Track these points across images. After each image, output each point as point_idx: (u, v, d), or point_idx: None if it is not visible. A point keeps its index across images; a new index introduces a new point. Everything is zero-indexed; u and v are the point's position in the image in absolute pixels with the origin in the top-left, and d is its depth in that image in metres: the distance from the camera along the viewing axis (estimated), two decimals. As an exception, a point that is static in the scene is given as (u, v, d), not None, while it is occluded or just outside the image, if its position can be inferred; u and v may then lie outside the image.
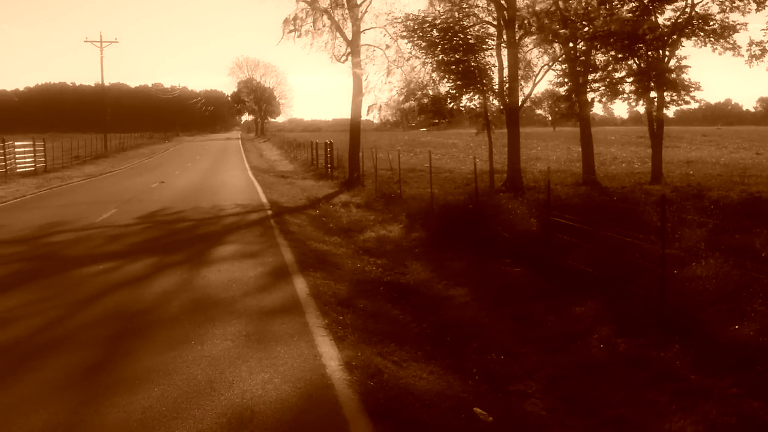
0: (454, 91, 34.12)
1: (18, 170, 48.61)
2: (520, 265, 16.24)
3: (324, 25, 40.01)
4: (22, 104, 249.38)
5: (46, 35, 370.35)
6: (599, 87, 35.44)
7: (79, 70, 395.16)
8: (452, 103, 34.60)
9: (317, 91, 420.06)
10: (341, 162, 44.08)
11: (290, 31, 40.59)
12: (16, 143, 51.47)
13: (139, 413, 7.83)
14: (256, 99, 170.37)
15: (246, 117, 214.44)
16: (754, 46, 34.94)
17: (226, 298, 13.28)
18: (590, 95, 35.83)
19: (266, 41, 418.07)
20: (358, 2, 38.37)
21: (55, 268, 16.56)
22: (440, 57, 33.55)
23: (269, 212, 26.65)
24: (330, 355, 9.70)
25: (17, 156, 50.07)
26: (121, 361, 9.61)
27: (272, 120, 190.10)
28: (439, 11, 35.16)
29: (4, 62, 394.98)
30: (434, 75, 34.98)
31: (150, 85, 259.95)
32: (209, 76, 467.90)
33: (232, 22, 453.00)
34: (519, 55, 33.86)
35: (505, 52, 33.18)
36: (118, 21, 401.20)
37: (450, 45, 32.88)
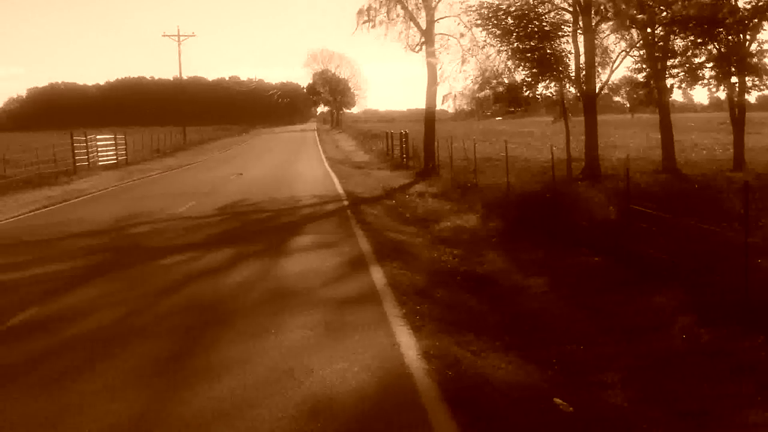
0: (529, 79, 33.78)
1: (100, 163, 49.72)
2: (599, 255, 16.03)
3: (398, 15, 40.03)
4: (102, 98, 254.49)
5: (125, 30, 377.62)
6: (678, 73, 34.62)
7: (158, 64, 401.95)
8: (528, 91, 34.27)
9: (391, 81, 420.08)
10: (416, 152, 44.03)
11: (364, 22, 40.73)
12: (98, 137, 52.60)
13: (220, 401, 7.95)
14: (331, 90, 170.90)
15: (321, 108, 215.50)
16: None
17: (304, 287, 13.40)
18: (669, 81, 35.04)
19: (341, 32, 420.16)
20: (432, -9, 38.26)
21: (136, 258, 16.93)
22: (515, 45, 33.23)
23: (345, 203, 26.80)
24: (408, 345, 9.72)
25: (99, 149, 51.17)
26: (202, 350, 9.78)
27: (347, 111, 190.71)
28: (513, -2, 34.84)
29: (85, 57, 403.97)
30: (509, 63, 34.68)
31: (227, 78, 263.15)
32: (285, 68, 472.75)
33: (307, 14, 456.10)
34: (595, 42, 33.32)
35: (581, 38, 32.66)
36: (195, 15, 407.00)
37: (525, 32, 32.55)
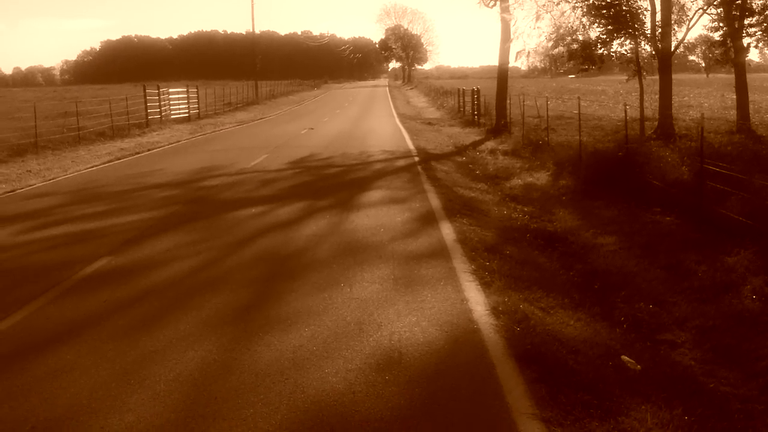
0: (604, 36, 33.27)
1: (173, 116, 50.36)
2: (671, 214, 15.84)
3: (473, -31, 39.57)
4: (175, 52, 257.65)
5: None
6: (756, 32, 33.71)
7: (231, 19, 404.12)
8: (602, 49, 33.75)
9: (464, 37, 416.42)
10: (488, 109, 43.78)
11: (438, -24, 40.33)
12: (171, 90, 53.22)
13: (291, 352, 8.08)
14: (404, 46, 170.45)
15: (393, 64, 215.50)
16: None
17: (374, 242, 13.48)
18: (746, 40, 34.09)
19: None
20: (508, -55, 37.72)
21: (209, 211, 17.18)
22: (590, 1, 32.72)
23: (416, 159, 26.78)
24: (476, 300, 9.75)
25: (171, 102, 51.81)
26: (273, 302, 9.92)
27: (419, 67, 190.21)
28: (590, -46, 34.19)
29: (158, 11, 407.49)
30: (584, 20, 34.16)
31: (299, 33, 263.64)
32: (358, 23, 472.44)
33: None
34: (672, -1, 32.65)
35: (658, -6, 32.03)
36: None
37: (601, -11, 32.04)
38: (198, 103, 57.47)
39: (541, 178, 22.09)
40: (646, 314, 10.06)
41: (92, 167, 26.80)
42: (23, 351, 8.35)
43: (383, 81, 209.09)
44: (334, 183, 21.56)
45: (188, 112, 53.81)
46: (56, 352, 8.26)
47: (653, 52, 33.23)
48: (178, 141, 37.71)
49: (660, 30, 32.13)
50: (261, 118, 57.43)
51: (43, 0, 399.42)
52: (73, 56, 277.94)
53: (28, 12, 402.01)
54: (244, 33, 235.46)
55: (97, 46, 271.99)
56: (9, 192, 21.16)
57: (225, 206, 17.75)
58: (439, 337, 8.44)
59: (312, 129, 43.51)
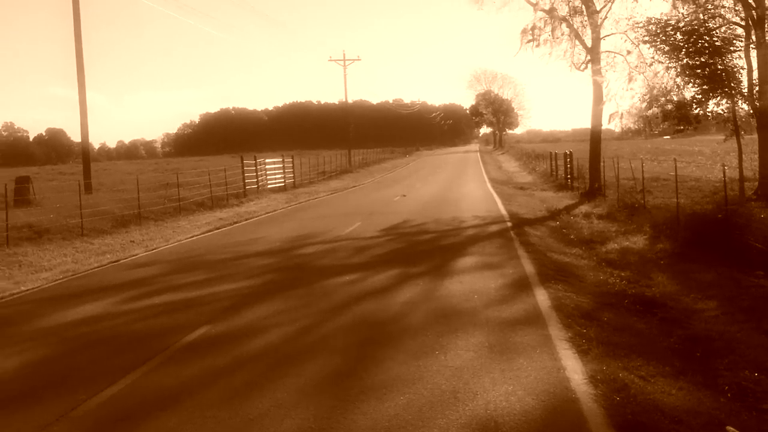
0: (699, 96, 32.76)
1: (269, 186, 51.34)
2: (775, 278, 15.43)
3: (562, 34, 39.67)
4: (271, 123, 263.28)
5: (293, 56, 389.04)
6: None
7: (325, 89, 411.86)
8: (698, 109, 33.21)
9: (555, 100, 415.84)
10: (581, 172, 43.46)
11: (528, 41, 40.54)
12: (267, 160, 54.38)
13: (386, 421, 8.08)
14: (494, 111, 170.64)
15: (484, 129, 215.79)
16: None
17: (468, 308, 13.43)
18: None
19: (504, 52, 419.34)
20: (598, 9, 37.73)
21: (305, 278, 17.39)
22: (684, 61, 32.32)
23: (509, 224, 26.69)
24: (574, 368, 9.61)
25: (268, 172, 52.89)
26: (368, 369, 9.95)
27: (510, 132, 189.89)
28: (682, 14, 33.87)
29: (256, 84, 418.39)
30: (678, 80, 33.72)
31: (391, 101, 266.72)
32: (448, 89, 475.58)
33: (469, 35, 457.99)
34: (770, 56, 32.06)
35: (754, 53, 31.46)
36: (360, 39, 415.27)
37: (695, 48, 31.61)
38: (293, 172, 58.58)
39: (638, 241, 21.76)
40: (752, 382, 9.77)
41: (192, 237, 27.46)
42: (128, 417, 8.58)
43: (474, 146, 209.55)
44: (427, 249, 21.61)
45: (284, 182, 54.82)
46: (159, 419, 8.44)
47: (751, 111, 32.61)
48: (275, 210, 38.40)
49: (757, 88, 31.55)
50: (354, 186, 58.09)
51: (144, 75, 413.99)
52: (173, 129, 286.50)
53: (130, 87, 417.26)
54: (337, 102, 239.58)
55: (196, 118, 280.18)
56: (114, 262, 21.83)
57: (321, 273, 17.96)
58: (536, 407, 8.33)
59: (405, 196, 43.80)
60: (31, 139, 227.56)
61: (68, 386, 9.89)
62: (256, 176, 50.07)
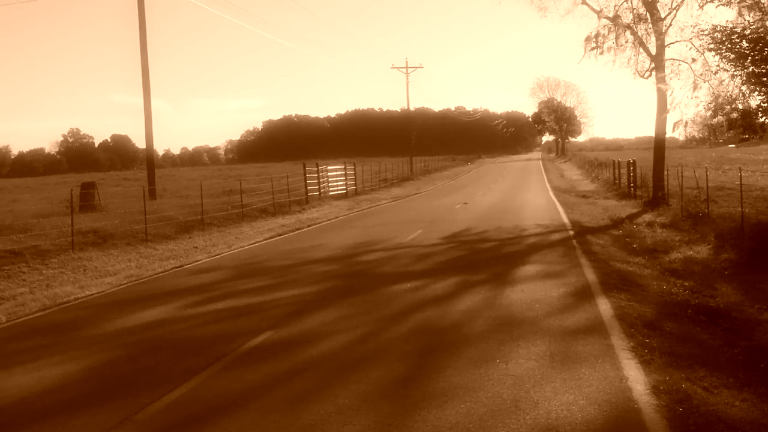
0: (765, 105, 32.28)
1: (331, 193, 51.66)
2: (844, 289, 15.14)
3: (626, 41, 39.28)
4: (333, 130, 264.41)
5: (355, 64, 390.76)
6: None
7: (387, 97, 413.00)
8: (763, 117, 32.73)
9: (619, 108, 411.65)
10: (644, 181, 42.95)
11: (592, 49, 40.25)
12: (329, 167, 54.72)
13: (447, 429, 8.09)
14: (557, 119, 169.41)
15: (546, 137, 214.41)
16: None
17: (530, 317, 13.41)
18: None
19: (567, 60, 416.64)
20: (662, 16, 37.33)
21: (366, 285, 17.51)
22: (750, 69, 31.85)
23: (571, 232, 26.55)
24: (636, 379, 9.54)
25: (330, 179, 53.23)
26: (429, 377, 9.98)
27: (572, 140, 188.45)
28: (748, 21, 33.35)
29: (318, 91, 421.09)
30: (743, 88, 33.22)
31: (452, 109, 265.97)
32: (509, 97, 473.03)
33: (532, 43, 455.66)
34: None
35: (823, 60, 30.93)
36: (422, 47, 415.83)
37: (761, 56, 31.12)
38: (355, 179, 58.87)
39: (702, 251, 21.48)
40: (818, 395, 9.60)
41: (254, 243, 27.79)
42: (191, 421, 8.74)
43: (536, 154, 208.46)
44: (489, 257, 21.60)
45: (345, 189, 55.15)
46: (221, 423, 8.57)
47: (820, 119, 32.02)
48: (336, 217, 38.68)
49: (826, 96, 30.97)
50: (416, 193, 58.18)
51: (208, 83, 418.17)
52: (236, 136, 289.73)
53: (194, 94, 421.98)
54: (399, 110, 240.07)
55: (259, 125, 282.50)
56: (177, 267, 22.21)
57: (382, 280, 18.06)
58: (597, 417, 8.29)
59: (466, 203, 43.77)
60: (96, 146, 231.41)
61: (132, 389, 10.10)
62: (318, 183, 50.44)
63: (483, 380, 9.73)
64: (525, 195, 50.38)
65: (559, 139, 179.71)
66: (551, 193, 50.43)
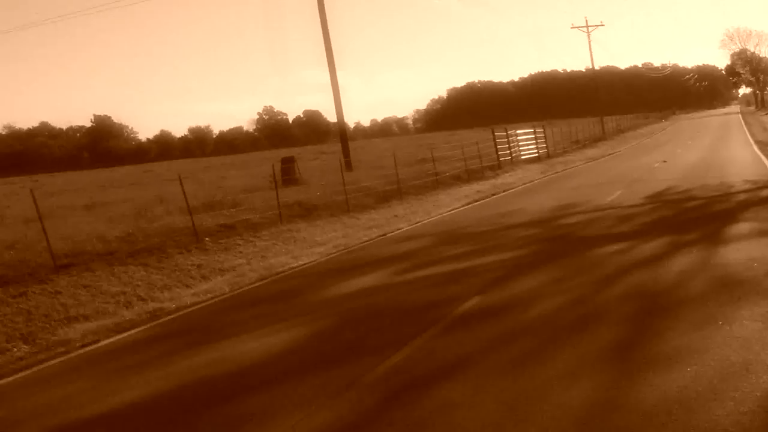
0: None
1: (522, 157, 51.30)
2: None
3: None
4: (517, 93, 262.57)
5: (534, 26, 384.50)
6: None
7: (569, 56, 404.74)
8: None
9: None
10: None
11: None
12: (518, 131, 54.35)
13: (675, 392, 7.84)
14: (752, 70, 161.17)
15: (743, 90, 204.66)
16: None
17: (749, 277, 12.74)
18: None
19: (759, 7, 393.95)
20: None
21: (570, 248, 17.27)
22: None
23: (783, 188, 25.22)
24: None
25: (520, 143, 52.89)
26: (649, 340, 9.71)
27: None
28: None
29: (498, 56, 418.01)
30: None
31: (640, 65, 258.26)
32: (700, 50, 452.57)
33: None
34: None
35: None
36: (602, 5, 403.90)
37: None
38: (545, 142, 58.19)
39: None
40: None
41: (452, 210, 27.98)
42: (415, 384, 8.91)
43: (734, 108, 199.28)
44: (696, 216, 20.81)
45: (537, 152, 54.64)
46: (443, 386, 8.70)
47: None
48: (531, 181, 38.37)
49: None
50: (610, 154, 56.87)
51: (393, 55, 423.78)
52: (423, 105, 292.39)
53: (381, 67, 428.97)
54: (584, 70, 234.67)
55: (444, 93, 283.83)
56: (381, 236, 22.73)
57: (585, 243, 17.76)
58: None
59: (665, 162, 42.36)
60: (290, 122, 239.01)
61: (355, 353, 10.45)
62: (509, 148, 50.15)
63: (707, 343, 9.35)
64: (727, 150, 48.15)
65: (758, 92, 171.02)
66: (756, 148, 47.95)
